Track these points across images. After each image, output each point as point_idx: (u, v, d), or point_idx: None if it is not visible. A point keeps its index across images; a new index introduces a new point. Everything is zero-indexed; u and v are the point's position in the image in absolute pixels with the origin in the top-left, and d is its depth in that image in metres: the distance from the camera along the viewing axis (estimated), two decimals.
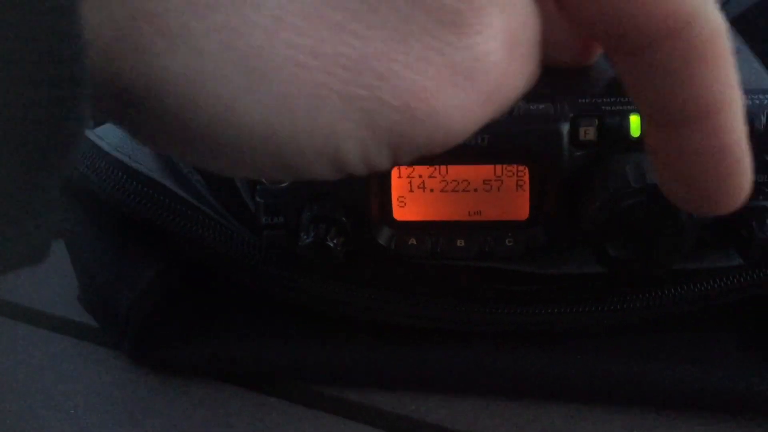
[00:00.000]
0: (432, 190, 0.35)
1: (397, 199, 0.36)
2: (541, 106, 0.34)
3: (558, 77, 0.38)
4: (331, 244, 0.34)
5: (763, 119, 0.33)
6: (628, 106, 0.34)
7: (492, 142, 0.34)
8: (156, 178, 0.39)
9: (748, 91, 0.34)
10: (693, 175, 0.24)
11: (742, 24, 0.41)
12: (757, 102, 0.34)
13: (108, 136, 0.40)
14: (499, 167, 0.35)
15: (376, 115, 0.19)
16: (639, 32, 0.22)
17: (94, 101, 0.16)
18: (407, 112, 0.20)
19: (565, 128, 0.34)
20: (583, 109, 0.34)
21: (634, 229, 0.32)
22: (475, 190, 0.35)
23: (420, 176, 0.35)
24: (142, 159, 0.39)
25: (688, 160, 0.24)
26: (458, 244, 0.36)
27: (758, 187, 0.34)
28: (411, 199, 0.36)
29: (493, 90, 0.21)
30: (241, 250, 0.38)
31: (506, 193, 0.35)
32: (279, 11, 0.18)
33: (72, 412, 0.38)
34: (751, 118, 0.33)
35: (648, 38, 0.22)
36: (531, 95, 0.34)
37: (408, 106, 0.20)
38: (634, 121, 0.34)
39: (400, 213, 0.36)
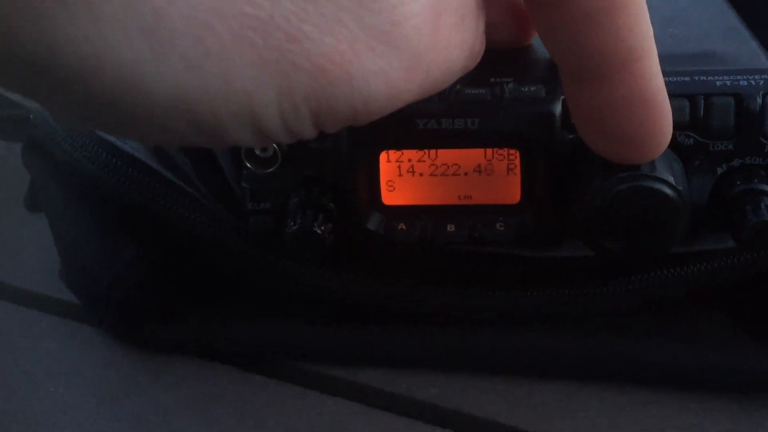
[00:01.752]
0: (421, 174, 0.35)
1: (386, 184, 0.35)
2: (533, 88, 0.33)
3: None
4: (319, 231, 0.34)
5: (759, 100, 0.32)
6: None
7: (482, 125, 0.33)
8: (141, 158, 0.38)
9: (744, 71, 0.33)
10: (617, 125, 0.25)
11: (740, 2, 0.40)
12: (753, 83, 0.33)
13: None
14: (489, 151, 0.34)
15: (290, 80, 0.19)
16: None
17: None
18: (322, 77, 0.19)
19: (558, 110, 0.33)
20: None
21: (625, 219, 0.32)
22: (465, 174, 0.35)
23: (409, 160, 0.35)
24: (128, 138, 0.38)
25: (611, 111, 0.25)
26: (448, 228, 0.35)
27: (752, 170, 0.33)
28: (400, 183, 0.35)
29: (417, 60, 0.20)
30: (227, 235, 0.38)
31: (497, 177, 0.35)
32: None
33: (52, 390, 0.38)
34: (747, 99, 0.33)
35: None
36: (522, 76, 0.35)
37: (322, 70, 0.19)
38: None
39: (389, 197, 0.35)
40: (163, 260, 0.40)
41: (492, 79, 0.34)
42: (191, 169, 0.39)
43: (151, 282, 0.39)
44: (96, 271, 0.39)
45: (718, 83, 0.33)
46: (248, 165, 0.35)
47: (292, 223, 0.34)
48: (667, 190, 0.31)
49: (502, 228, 0.35)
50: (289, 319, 0.39)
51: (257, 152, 0.35)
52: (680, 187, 0.31)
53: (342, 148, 0.34)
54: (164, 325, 0.39)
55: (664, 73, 0.33)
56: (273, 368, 0.39)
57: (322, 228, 0.34)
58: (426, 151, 0.35)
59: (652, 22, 0.39)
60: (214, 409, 0.36)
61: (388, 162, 0.35)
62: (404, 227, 0.36)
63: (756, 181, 0.33)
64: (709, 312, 0.39)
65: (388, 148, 0.34)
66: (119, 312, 0.39)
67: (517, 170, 0.34)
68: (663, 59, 0.35)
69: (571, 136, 0.33)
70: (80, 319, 0.42)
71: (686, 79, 0.33)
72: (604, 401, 0.36)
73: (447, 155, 0.35)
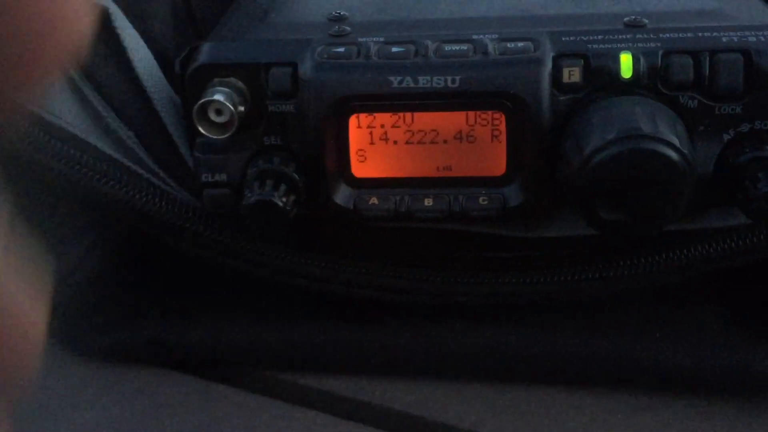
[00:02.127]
0: (396, 142, 0.32)
1: (356, 153, 0.32)
2: (520, 44, 0.31)
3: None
4: (280, 203, 0.31)
5: None
6: (618, 44, 0.30)
7: (464, 85, 0.30)
8: (78, 134, 0.34)
9: (752, 27, 0.30)
10: None
11: None
12: (763, 39, 0.30)
13: None
14: (472, 114, 0.31)
15: None
16: None
17: None
18: None
19: (547, 69, 0.30)
20: (566, 48, 0.31)
21: (624, 186, 0.29)
22: (445, 141, 0.32)
23: (382, 126, 0.32)
24: (60, 111, 0.35)
25: None
26: (426, 203, 0.32)
27: (762, 136, 0.30)
28: (372, 152, 0.32)
29: None
30: (178, 214, 0.34)
31: (480, 145, 0.32)
32: None
33: None
34: (757, 55, 0.30)
35: None
36: (507, 32, 0.32)
37: None
38: (625, 61, 0.30)
39: (359, 169, 0.32)
40: (113, 253, 0.37)
41: (474, 36, 0.31)
42: (135, 141, 0.35)
43: (102, 280, 0.37)
44: None
45: (724, 39, 0.30)
46: (201, 130, 0.31)
47: (249, 194, 0.31)
48: (672, 153, 0.28)
49: (486, 202, 0.32)
50: (253, 320, 0.36)
51: (211, 116, 0.31)
52: (685, 150, 0.28)
53: (306, 112, 0.31)
54: (116, 332, 0.36)
55: (665, 30, 0.31)
56: (236, 376, 0.37)
57: (284, 200, 0.31)
58: (401, 114, 0.31)
59: None
60: (171, 423, 0.34)
61: (358, 128, 0.32)
62: (376, 202, 0.33)
63: (767, 147, 0.30)
64: (708, 307, 0.36)
65: (358, 111, 0.31)
66: (65, 317, 0.36)
67: (503, 137, 0.31)
68: (661, 16, 0.32)
69: (563, 97, 0.30)
70: None
71: (688, 35, 0.31)
72: (596, 407, 0.34)
73: (424, 120, 0.31)
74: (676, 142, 0.28)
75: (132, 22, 0.37)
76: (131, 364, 0.37)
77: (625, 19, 0.32)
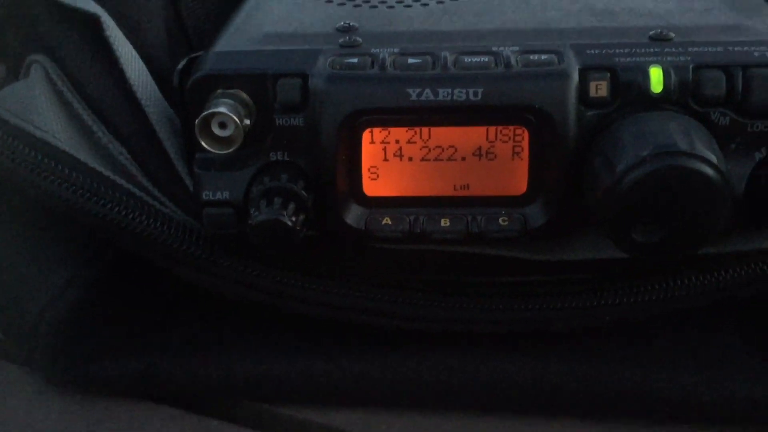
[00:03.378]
0: (411, 159, 0.31)
1: (369, 170, 0.31)
2: (544, 57, 0.30)
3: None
4: (289, 223, 0.29)
5: None
6: (648, 57, 0.29)
7: (486, 98, 0.29)
8: (68, 151, 0.33)
9: None
10: None
11: None
12: None
13: (5, 100, 0.34)
14: (492, 129, 0.30)
15: None
16: None
17: None
18: None
19: (573, 82, 0.29)
20: (592, 61, 0.30)
21: (659, 206, 0.27)
22: (463, 158, 0.30)
23: (396, 141, 0.30)
24: (49, 125, 0.33)
25: None
26: (442, 224, 0.31)
27: None
28: (385, 169, 0.31)
29: None
30: (174, 236, 0.33)
31: (500, 163, 0.30)
32: None
33: None
34: None
35: None
36: (529, 44, 0.30)
37: None
38: (655, 75, 0.29)
39: (371, 187, 0.31)
40: (100, 280, 0.35)
41: (494, 48, 0.30)
42: (128, 158, 0.34)
43: (87, 308, 0.35)
44: (22, 299, 0.34)
45: (756, 53, 0.29)
46: (203, 145, 0.29)
47: (255, 213, 0.29)
48: (709, 171, 0.27)
49: (506, 223, 0.31)
50: (251, 350, 0.35)
51: (214, 130, 0.29)
52: (723, 168, 0.27)
53: (316, 126, 0.29)
54: (104, 363, 0.35)
55: (694, 43, 0.29)
56: (232, 410, 0.35)
57: (293, 219, 0.29)
58: (417, 129, 0.30)
59: None
60: None
61: (371, 143, 0.30)
62: (390, 222, 0.31)
63: None
64: (722, 332, 0.35)
65: (372, 125, 0.30)
66: (50, 347, 0.34)
67: (524, 153, 0.30)
68: (687, 30, 0.31)
69: (590, 113, 0.29)
70: (3, 356, 0.38)
71: (719, 49, 0.29)
72: None
73: (442, 135, 0.30)
74: (713, 159, 0.27)
75: (123, 32, 0.35)
76: (120, 397, 0.35)
77: (651, 33, 0.31)
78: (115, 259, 0.35)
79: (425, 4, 0.36)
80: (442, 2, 0.36)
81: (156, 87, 0.34)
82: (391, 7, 0.36)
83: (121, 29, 0.35)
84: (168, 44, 0.39)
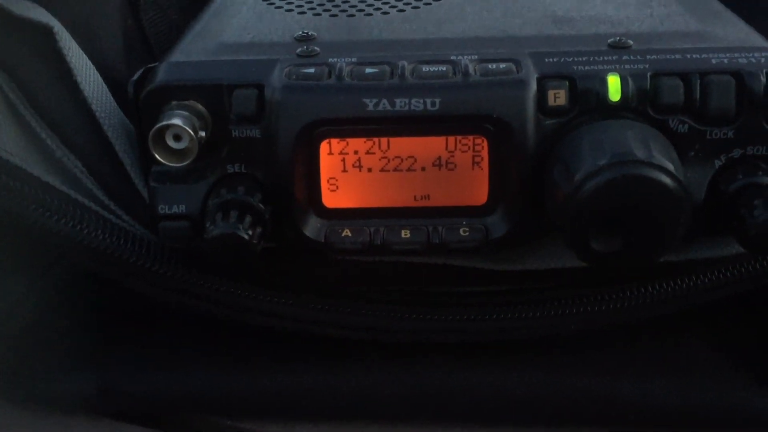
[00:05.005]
0: (370, 170, 0.30)
1: (328, 182, 0.30)
2: (502, 66, 0.29)
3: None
4: (245, 236, 0.28)
5: (763, 79, 0.28)
6: (606, 66, 0.29)
7: (444, 108, 0.29)
8: (18, 164, 0.31)
9: (742, 49, 0.29)
10: None
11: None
12: (754, 60, 0.29)
13: None
14: (452, 139, 0.29)
15: None
16: None
17: None
18: None
19: (532, 91, 0.29)
20: (551, 69, 0.29)
21: (617, 215, 0.27)
22: (423, 168, 0.30)
23: (355, 152, 0.30)
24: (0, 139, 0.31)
25: None
26: (402, 235, 0.30)
27: (755, 162, 0.29)
28: (344, 180, 0.30)
29: None
30: (131, 250, 0.32)
31: (460, 173, 0.30)
32: None
33: None
34: (748, 78, 0.28)
35: None
36: (486, 53, 0.30)
37: None
38: (613, 83, 0.29)
39: (330, 198, 0.30)
40: (57, 299, 0.34)
41: (452, 56, 0.29)
42: (83, 171, 0.33)
43: (44, 327, 0.34)
44: None
45: (713, 60, 0.29)
46: (157, 158, 0.29)
47: (211, 227, 0.28)
48: (667, 180, 0.26)
49: (467, 233, 0.30)
50: (213, 365, 0.34)
51: (169, 142, 0.28)
52: (681, 177, 0.26)
53: (273, 137, 0.29)
54: (61, 380, 0.34)
55: (652, 51, 0.29)
56: (193, 427, 0.35)
57: (250, 232, 0.28)
58: (375, 140, 0.29)
59: (627, 4, 0.35)
60: None
61: (329, 154, 0.30)
62: (349, 234, 0.31)
63: (760, 173, 0.29)
64: (692, 338, 0.35)
65: (330, 136, 0.29)
66: (4, 363, 0.33)
67: (484, 163, 0.30)
68: (646, 37, 0.31)
69: (548, 121, 0.28)
70: None
71: (677, 56, 0.29)
72: None
73: (401, 145, 0.29)
74: (671, 167, 0.26)
75: (79, 42, 0.34)
76: (79, 414, 0.34)
77: (609, 40, 0.31)
78: (68, 276, 0.34)
79: (386, 13, 0.36)
80: (403, 11, 0.36)
81: (112, 99, 0.34)
82: (352, 15, 0.35)
83: (77, 40, 0.34)
84: (127, 55, 0.38)
